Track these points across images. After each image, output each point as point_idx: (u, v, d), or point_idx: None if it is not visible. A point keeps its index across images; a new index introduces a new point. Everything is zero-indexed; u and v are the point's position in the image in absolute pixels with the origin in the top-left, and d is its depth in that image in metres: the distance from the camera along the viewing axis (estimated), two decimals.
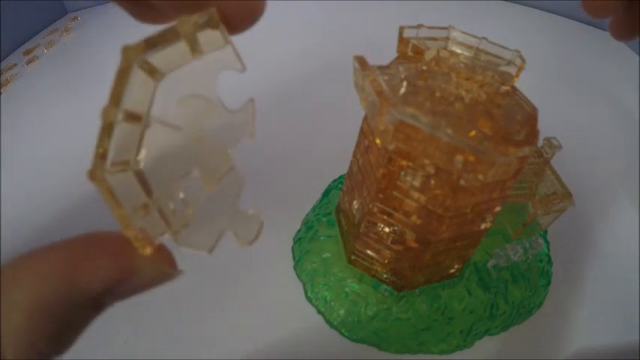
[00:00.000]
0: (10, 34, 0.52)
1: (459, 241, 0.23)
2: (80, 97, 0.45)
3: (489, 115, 0.19)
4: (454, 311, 0.27)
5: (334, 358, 0.27)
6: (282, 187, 0.36)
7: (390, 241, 0.24)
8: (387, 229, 0.23)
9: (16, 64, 0.50)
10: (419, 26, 0.23)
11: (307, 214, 0.33)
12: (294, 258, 0.31)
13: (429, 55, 0.22)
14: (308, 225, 0.32)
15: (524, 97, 0.21)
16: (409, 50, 0.23)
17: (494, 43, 0.23)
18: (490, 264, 0.28)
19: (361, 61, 0.20)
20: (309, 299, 0.29)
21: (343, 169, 0.28)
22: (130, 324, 0.28)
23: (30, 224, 0.33)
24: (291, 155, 0.39)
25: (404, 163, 0.20)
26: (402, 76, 0.20)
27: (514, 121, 0.19)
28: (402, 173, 0.20)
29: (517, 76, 0.22)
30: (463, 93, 0.20)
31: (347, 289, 0.28)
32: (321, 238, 0.30)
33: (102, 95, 0.11)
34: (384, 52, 0.25)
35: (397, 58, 0.23)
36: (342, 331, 0.27)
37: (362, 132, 0.24)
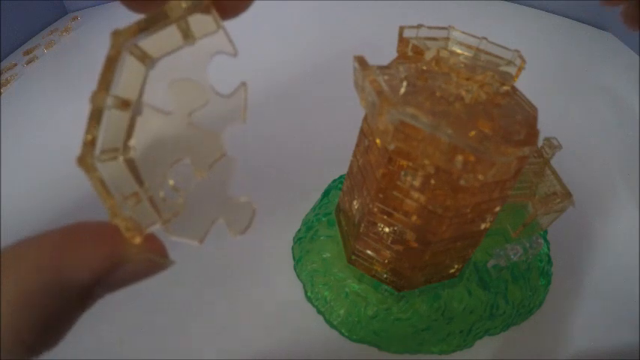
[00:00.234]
0: (10, 34, 0.52)
1: (459, 241, 0.23)
2: (80, 97, 0.45)
3: (489, 115, 0.19)
4: (454, 311, 0.27)
5: (334, 358, 0.27)
6: (282, 187, 0.36)
7: (390, 241, 0.24)
8: (387, 229, 0.23)
9: (16, 64, 0.50)
10: (419, 26, 0.23)
11: (307, 214, 0.33)
12: (294, 258, 0.31)
13: (429, 55, 0.22)
14: (308, 225, 0.32)
15: (524, 97, 0.21)
16: (409, 50, 0.23)
17: (494, 43, 0.23)
18: (490, 264, 0.28)
19: (361, 61, 0.20)
20: (309, 299, 0.29)
21: (343, 169, 0.28)
22: (128, 324, 0.28)
23: (30, 224, 0.32)
24: (291, 155, 0.39)
25: (404, 163, 0.20)
26: (402, 76, 0.20)
27: (514, 121, 0.19)
28: (402, 173, 0.20)
29: (517, 76, 0.22)
30: (463, 93, 0.20)
31: (347, 289, 0.28)
32: (321, 238, 0.30)
33: None
34: (384, 52, 0.25)
35: (397, 58, 0.23)
36: (342, 331, 0.27)
37: (362, 132, 0.24)
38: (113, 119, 0.11)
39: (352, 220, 0.26)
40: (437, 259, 0.24)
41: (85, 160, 0.11)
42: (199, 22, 0.11)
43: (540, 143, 0.28)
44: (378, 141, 0.21)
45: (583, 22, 0.63)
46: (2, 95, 0.46)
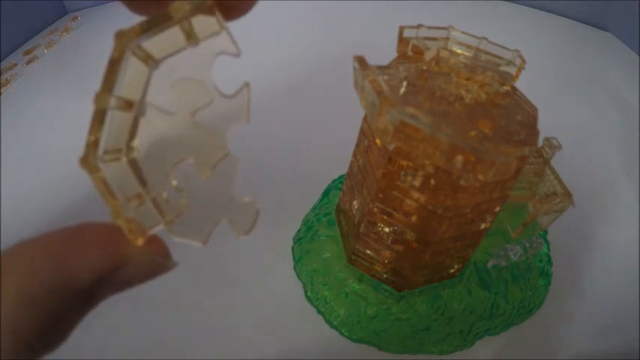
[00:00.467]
0: (10, 34, 0.52)
1: (459, 241, 0.23)
2: (80, 97, 0.45)
3: (489, 115, 0.19)
4: (454, 311, 0.27)
5: (334, 358, 0.27)
6: (282, 187, 0.36)
7: (390, 241, 0.24)
8: (387, 229, 0.23)
9: (16, 64, 0.50)
10: (419, 26, 0.23)
11: (307, 214, 0.33)
12: (294, 258, 0.31)
13: (429, 55, 0.22)
14: (308, 225, 0.32)
15: (524, 97, 0.21)
16: (409, 50, 0.23)
17: (494, 43, 0.23)
18: (490, 264, 0.28)
19: (361, 61, 0.20)
20: (309, 299, 0.29)
21: (343, 169, 0.28)
22: (127, 324, 0.28)
23: (30, 224, 0.33)
24: (291, 155, 0.39)
25: (404, 163, 0.20)
26: (402, 76, 0.20)
27: (514, 121, 0.19)
28: (402, 173, 0.20)
29: (517, 76, 0.22)
30: (463, 93, 0.20)
31: (347, 289, 0.28)
32: (321, 238, 0.30)
33: None
34: (384, 52, 0.25)
35: (397, 58, 0.23)
36: (342, 331, 0.27)
37: (362, 132, 0.24)
38: (116, 120, 0.11)
39: (352, 220, 0.26)
40: (437, 259, 0.24)
41: (87, 161, 0.11)
42: (202, 23, 0.11)
43: (540, 143, 0.28)
44: (378, 141, 0.21)
45: (583, 22, 0.63)
46: (2, 95, 0.46)
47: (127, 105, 0.11)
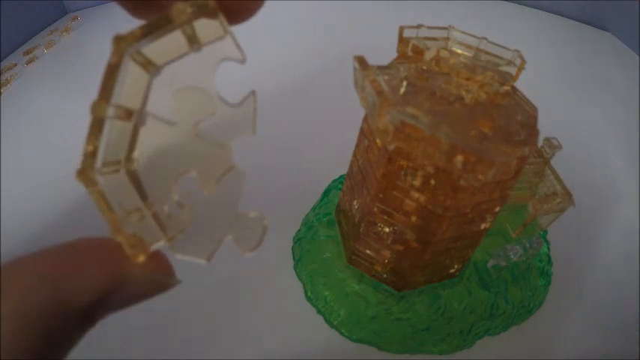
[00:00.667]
0: (10, 34, 0.52)
1: (459, 241, 0.23)
2: (80, 98, 0.45)
3: (489, 115, 0.19)
4: (454, 311, 0.27)
5: (334, 358, 0.27)
6: (282, 187, 0.36)
7: (390, 241, 0.24)
8: (387, 229, 0.23)
9: (16, 64, 0.50)
10: (419, 26, 0.23)
11: (307, 214, 0.33)
12: (294, 258, 0.31)
13: (429, 55, 0.22)
14: (308, 225, 0.32)
15: (524, 97, 0.21)
16: (409, 50, 0.23)
17: (494, 43, 0.23)
18: (490, 264, 0.28)
19: (361, 60, 0.20)
20: (309, 299, 0.29)
21: (343, 169, 0.28)
22: (126, 323, 0.28)
23: (30, 224, 0.33)
24: (291, 155, 0.39)
25: (404, 163, 0.20)
26: (402, 76, 0.20)
27: (514, 121, 0.19)
28: (402, 173, 0.20)
29: (517, 76, 0.22)
30: (463, 93, 0.20)
31: (347, 289, 0.28)
32: (321, 238, 0.30)
33: None
34: (384, 52, 0.25)
35: (397, 58, 0.23)
36: (342, 331, 0.27)
37: (362, 132, 0.24)
38: (115, 130, 0.10)
39: (352, 220, 0.26)
40: (437, 259, 0.24)
41: (85, 174, 0.10)
42: (205, 27, 0.11)
43: (540, 143, 0.28)
44: (378, 141, 0.21)
45: (583, 22, 0.63)
46: (2, 95, 0.46)
47: (127, 114, 0.10)
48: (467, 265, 0.27)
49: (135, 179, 0.11)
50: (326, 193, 0.34)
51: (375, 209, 0.22)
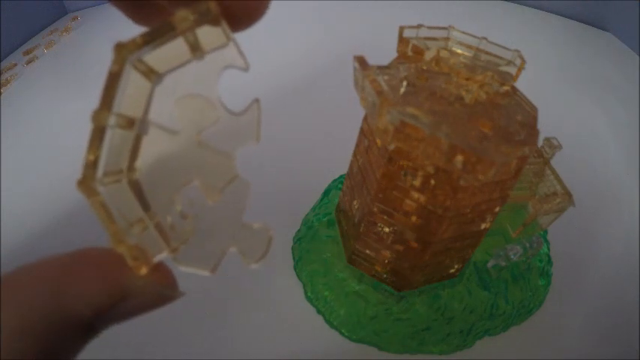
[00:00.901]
0: (10, 34, 0.52)
1: (459, 241, 0.23)
2: (80, 98, 0.45)
3: (489, 115, 0.19)
4: (454, 311, 0.27)
5: (334, 358, 0.27)
6: (282, 187, 0.36)
7: (390, 241, 0.24)
8: (387, 229, 0.23)
9: (16, 64, 0.50)
10: (419, 26, 0.23)
11: (307, 214, 0.33)
12: (294, 258, 0.31)
13: (429, 55, 0.22)
14: (308, 225, 0.32)
15: (524, 97, 0.21)
16: (409, 50, 0.23)
17: (494, 43, 0.23)
18: (490, 264, 0.28)
19: (361, 61, 0.20)
20: (309, 299, 0.29)
21: (343, 169, 0.28)
22: (126, 323, 0.28)
23: (30, 224, 0.33)
24: (291, 155, 0.39)
25: (404, 163, 0.20)
26: (402, 76, 0.20)
27: (514, 121, 0.19)
28: (402, 173, 0.20)
29: (517, 76, 0.22)
30: (463, 93, 0.20)
31: (347, 289, 0.28)
32: (322, 238, 0.30)
33: None
34: (384, 52, 0.25)
35: (397, 58, 0.23)
36: (342, 331, 0.27)
37: (362, 132, 0.24)
38: (117, 139, 0.10)
39: (352, 220, 0.26)
40: (437, 259, 0.24)
41: (86, 184, 0.10)
42: (208, 34, 0.10)
43: (540, 143, 0.28)
44: (378, 141, 0.21)
45: (583, 22, 0.63)
46: (2, 95, 0.46)
47: (128, 123, 0.10)
48: (467, 265, 0.27)
49: (137, 189, 0.11)
50: (326, 193, 0.34)
51: (375, 209, 0.22)
